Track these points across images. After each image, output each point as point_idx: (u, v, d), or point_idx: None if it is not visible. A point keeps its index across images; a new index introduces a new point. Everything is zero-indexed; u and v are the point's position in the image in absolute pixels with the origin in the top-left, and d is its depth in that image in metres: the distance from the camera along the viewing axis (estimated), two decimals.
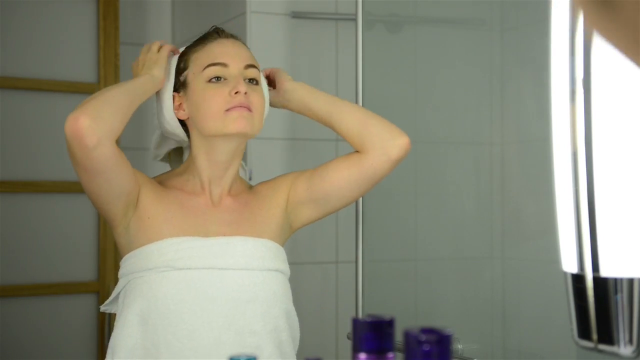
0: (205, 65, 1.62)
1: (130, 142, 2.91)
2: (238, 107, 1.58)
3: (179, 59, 1.69)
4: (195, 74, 1.63)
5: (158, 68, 1.65)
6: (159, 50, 1.68)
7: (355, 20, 2.16)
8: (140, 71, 1.66)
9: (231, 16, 2.55)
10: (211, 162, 1.65)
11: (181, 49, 1.73)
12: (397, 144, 1.67)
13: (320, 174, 1.70)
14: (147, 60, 1.67)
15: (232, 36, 1.68)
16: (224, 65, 1.61)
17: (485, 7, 2.49)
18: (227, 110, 1.58)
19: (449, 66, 2.50)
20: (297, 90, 1.73)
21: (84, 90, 2.84)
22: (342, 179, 1.68)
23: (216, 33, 1.67)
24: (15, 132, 2.76)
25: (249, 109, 1.59)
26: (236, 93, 1.58)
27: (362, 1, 2.14)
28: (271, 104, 1.75)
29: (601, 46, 0.83)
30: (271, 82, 1.76)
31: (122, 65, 2.89)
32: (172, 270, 1.57)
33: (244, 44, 1.70)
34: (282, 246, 1.71)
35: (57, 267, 2.77)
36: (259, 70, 1.66)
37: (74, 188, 2.82)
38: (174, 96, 1.67)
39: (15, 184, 2.75)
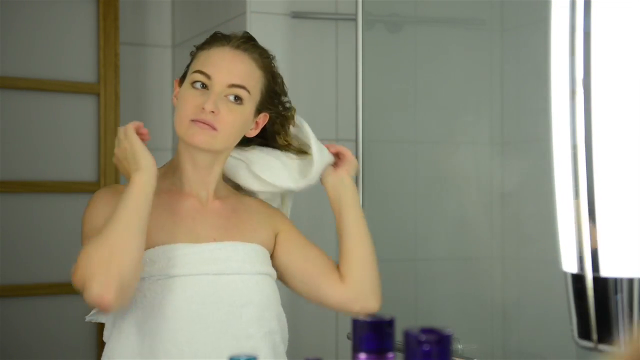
0: (195, 69, 1.62)
1: None
2: (201, 122, 1.57)
3: (194, 51, 1.69)
4: (189, 73, 1.64)
5: (140, 156, 1.56)
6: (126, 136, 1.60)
7: (355, 20, 2.16)
8: (128, 168, 1.58)
9: (231, 16, 2.54)
10: (193, 164, 1.65)
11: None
12: (367, 305, 1.68)
13: (299, 257, 1.72)
14: (124, 152, 1.59)
15: (243, 44, 1.65)
16: (207, 76, 1.60)
17: (485, 7, 2.49)
18: (192, 120, 1.58)
19: (449, 66, 2.50)
20: (347, 189, 1.74)
21: (84, 90, 2.84)
22: (305, 278, 1.70)
23: (226, 39, 1.65)
24: (15, 132, 2.76)
25: (213, 128, 1.58)
26: (203, 109, 1.57)
27: (362, 1, 2.14)
28: (321, 178, 1.75)
29: (601, 46, 0.83)
30: (337, 160, 1.76)
31: (122, 65, 2.89)
32: (166, 278, 1.56)
33: (256, 53, 1.67)
34: (270, 248, 1.72)
35: (57, 267, 2.77)
36: (248, 91, 1.62)
37: (74, 188, 2.82)
38: (175, 83, 1.70)
39: (15, 184, 2.75)
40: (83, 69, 2.86)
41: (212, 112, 1.57)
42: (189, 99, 1.59)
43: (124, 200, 1.51)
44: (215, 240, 1.63)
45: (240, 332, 1.58)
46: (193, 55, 1.68)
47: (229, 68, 1.61)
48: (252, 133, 1.69)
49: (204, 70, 1.60)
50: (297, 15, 2.51)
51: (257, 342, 1.60)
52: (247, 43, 1.66)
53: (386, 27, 2.46)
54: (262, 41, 2.49)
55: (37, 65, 2.80)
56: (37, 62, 2.80)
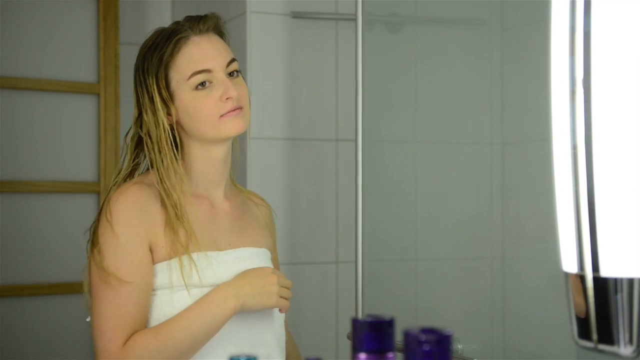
0: (189, 74, 1.57)
1: None
2: (231, 111, 1.57)
3: (157, 60, 1.60)
4: (180, 82, 1.58)
5: (269, 303, 1.55)
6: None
7: (355, 20, 2.16)
8: (245, 291, 1.53)
9: (231, 16, 2.54)
10: (209, 162, 1.63)
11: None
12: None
13: None
14: (271, 284, 1.55)
15: (202, 26, 1.61)
16: (208, 71, 1.58)
17: (485, 7, 2.49)
18: (222, 116, 1.57)
19: (449, 66, 2.50)
20: None
21: (84, 90, 2.84)
22: None
23: (183, 33, 1.59)
24: (15, 132, 2.76)
25: (240, 108, 1.58)
26: (227, 99, 1.56)
27: (362, 1, 2.14)
28: None
29: (601, 46, 0.82)
30: None
31: (122, 65, 2.89)
32: (183, 289, 1.53)
33: (217, 27, 1.64)
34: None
35: (57, 267, 2.77)
36: (236, 60, 1.63)
37: (74, 188, 2.82)
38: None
39: (15, 184, 2.75)
40: (83, 69, 2.86)
41: (237, 94, 1.57)
42: (205, 101, 1.57)
43: (208, 316, 1.50)
44: (230, 245, 1.62)
45: (258, 339, 1.58)
46: (164, 64, 1.58)
47: (217, 51, 1.60)
48: None
49: (200, 68, 1.57)
50: (297, 15, 2.51)
51: (271, 348, 1.61)
52: (201, 23, 1.61)
53: (386, 27, 2.46)
54: (262, 41, 2.50)
55: (37, 65, 2.80)
56: (37, 62, 2.80)
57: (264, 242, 1.68)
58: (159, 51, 1.59)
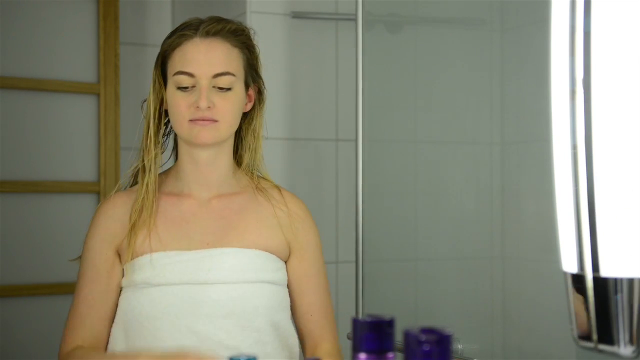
0: (175, 71, 1.59)
1: (131, 142, 2.91)
2: (201, 120, 1.56)
3: (164, 46, 1.64)
4: (169, 74, 1.61)
5: None
6: None
7: (355, 20, 2.16)
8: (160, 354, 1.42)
9: (231, 16, 2.53)
10: (194, 164, 1.63)
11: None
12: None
13: (297, 286, 1.69)
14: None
15: (212, 29, 1.60)
16: (190, 75, 1.57)
17: (485, 7, 2.49)
18: (191, 120, 1.57)
19: (448, 66, 2.50)
20: None
21: (84, 90, 2.84)
22: (292, 306, 1.70)
23: (193, 29, 1.60)
24: (15, 132, 2.76)
25: (214, 120, 1.57)
26: (197, 107, 1.56)
27: (362, 1, 2.14)
28: None
29: (601, 46, 0.82)
30: None
31: (122, 65, 2.89)
32: (149, 287, 1.57)
33: (232, 35, 1.63)
34: (280, 255, 1.66)
35: (57, 267, 2.77)
36: (233, 74, 1.59)
37: (74, 188, 2.82)
38: (155, 74, 1.65)
39: (15, 184, 2.75)
40: (83, 69, 2.85)
41: (208, 107, 1.56)
42: (180, 101, 1.58)
43: None
44: (208, 245, 1.60)
45: (221, 342, 1.55)
46: (165, 53, 1.63)
47: (208, 59, 1.58)
48: (248, 107, 1.67)
49: (185, 69, 1.57)
50: (297, 15, 2.51)
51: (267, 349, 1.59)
52: (213, 25, 1.61)
53: (386, 27, 2.46)
54: (262, 41, 2.49)
55: (37, 65, 2.80)
56: (37, 62, 2.80)
57: (258, 243, 1.63)
58: (167, 38, 1.63)
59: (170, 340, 1.54)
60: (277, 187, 1.72)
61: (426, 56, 2.52)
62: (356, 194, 2.18)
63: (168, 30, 2.99)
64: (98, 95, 2.85)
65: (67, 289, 2.78)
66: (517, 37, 2.38)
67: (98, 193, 2.84)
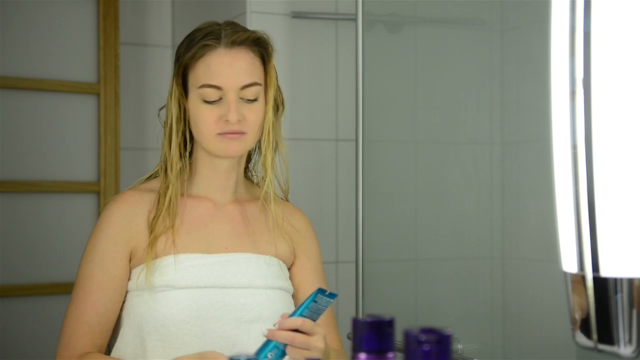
0: (200, 83, 1.55)
1: (131, 142, 2.91)
2: (230, 134, 1.54)
3: (181, 51, 1.60)
4: (192, 86, 1.57)
5: None
6: None
7: (355, 20, 2.16)
8: None
9: (231, 16, 2.54)
10: (213, 170, 1.62)
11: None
12: None
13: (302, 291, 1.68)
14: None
15: (236, 38, 1.56)
16: (217, 88, 1.54)
17: (485, 7, 2.49)
18: (219, 134, 1.55)
19: (448, 66, 2.50)
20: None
21: (84, 90, 2.84)
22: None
23: (215, 38, 1.56)
24: (15, 132, 2.76)
25: (242, 133, 1.55)
26: (226, 121, 1.53)
27: (362, 1, 2.14)
28: None
29: (601, 46, 0.82)
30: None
31: (122, 65, 2.89)
32: (172, 290, 1.53)
33: (255, 44, 1.59)
34: (288, 264, 1.67)
35: (57, 267, 2.77)
36: (260, 84, 1.57)
37: (74, 188, 2.82)
38: (174, 84, 1.61)
39: (15, 184, 2.75)
40: (83, 69, 2.85)
41: (238, 120, 1.54)
42: (207, 115, 1.55)
43: None
44: (227, 249, 1.60)
45: (247, 348, 1.53)
46: (185, 62, 1.58)
47: (234, 71, 1.55)
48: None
49: (211, 82, 1.54)
50: (297, 15, 2.51)
51: None
52: (239, 34, 1.58)
53: (386, 27, 2.46)
54: None
55: (37, 65, 2.80)
56: (37, 62, 2.80)
57: (271, 250, 1.63)
58: (187, 47, 1.58)
59: (199, 344, 1.51)
60: (281, 198, 1.72)
61: (426, 56, 2.52)
62: (356, 194, 2.18)
63: (168, 30, 2.99)
64: (98, 95, 2.85)
65: (67, 289, 2.78)
66: (517, 37, 2.38)
67: (98, 193, 2.84)
